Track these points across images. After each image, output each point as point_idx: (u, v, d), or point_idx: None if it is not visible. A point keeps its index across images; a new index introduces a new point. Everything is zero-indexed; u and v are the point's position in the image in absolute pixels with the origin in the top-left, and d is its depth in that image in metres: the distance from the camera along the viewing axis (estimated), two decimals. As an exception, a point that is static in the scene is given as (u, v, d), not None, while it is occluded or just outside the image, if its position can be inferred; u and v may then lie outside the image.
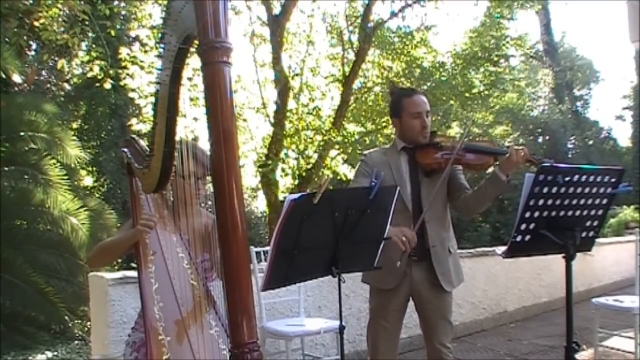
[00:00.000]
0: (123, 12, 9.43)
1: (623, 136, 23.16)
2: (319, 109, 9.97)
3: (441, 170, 2.31)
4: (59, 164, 6.15)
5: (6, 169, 6.23)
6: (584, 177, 1.75)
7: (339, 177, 10.14)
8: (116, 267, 6.19)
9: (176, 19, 1.40)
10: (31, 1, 7.14)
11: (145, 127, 8.95)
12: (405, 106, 2.40)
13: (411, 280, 2.39)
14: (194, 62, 1.49)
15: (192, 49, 1.40)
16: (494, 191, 2.28)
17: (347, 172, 10.30)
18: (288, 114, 9.20)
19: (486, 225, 14.27)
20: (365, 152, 2.60)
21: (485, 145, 2.38)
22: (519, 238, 1.77)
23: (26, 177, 6.26)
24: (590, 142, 20.75)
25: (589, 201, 1.81)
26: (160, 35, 1.49)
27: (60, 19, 6.63)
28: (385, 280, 2.39)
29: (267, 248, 1.90)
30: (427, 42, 11.92)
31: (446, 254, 2.41)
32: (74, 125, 10.64)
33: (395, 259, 2.23)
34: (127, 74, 8.69)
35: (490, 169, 2.34)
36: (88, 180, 10.16)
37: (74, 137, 6.86)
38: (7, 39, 6.72)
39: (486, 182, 2.28)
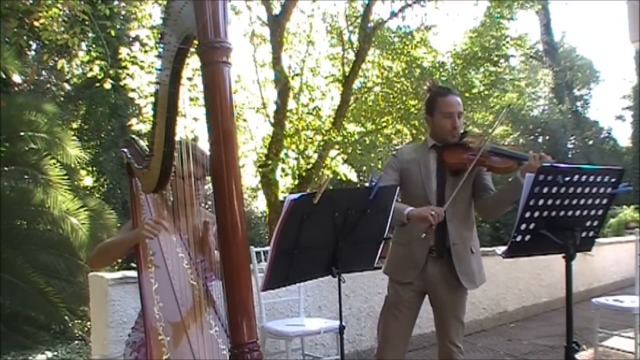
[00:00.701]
0: (123, 12, 9.42)
1: (623, 136, 23.22)
2: (319, 109, 9.96)
3: (466, 170, 2.34)
4: (59, 164, 6.15)
5: (6, 169, 6.23)
6: (584, 177, 1.75)
7: (339, 177, 10.14)
8: (116, 267, 6.18)
9: (176, 19, 1.40)
10: (31, 1, 7.13)
11: (145, 127, 8.95)
12: (439, 105, 2.45)
13: (427, 276, 2.42)
14: (194, 62, 1.49)
15: (192, 49, 1.40)
16: (514, 195, 2.29)
17: (347, 172, 10.31)
18: (288, 114, 9.20)
19: (486, 225, 14.25)
20: (398, 147, 2.64)
21: (509, 149, 2.40)
22: (519, 238, 1.77)
23: (26, 177, 6.26)
24: (590, 142, 20.77)
25: (589, 201, 1.81)
26: (160, 35, 1.49)
27: (60, 19, 6.63)
28: (404, 274, 2.44)
29: (267, 248, 1.90)
30: (427, 42, 11.92)
31: (468, 253, 2.44)
32: (74, 125, 10.64)
33: (422, 255, 2.34)
34: (127, 74, 8.69)
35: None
36: (88, 180, 10.15)
37: (74, 137, 6.85)
38: (7, 39, 6.71)
39: (507, 185, 2.33)
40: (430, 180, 2.42)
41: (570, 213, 1.79)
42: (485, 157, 2.31)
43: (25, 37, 7.36)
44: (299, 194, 1.71)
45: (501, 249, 2.06)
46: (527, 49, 17.38)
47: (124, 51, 8.78)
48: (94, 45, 9.04)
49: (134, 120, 9.98)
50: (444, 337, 2.47)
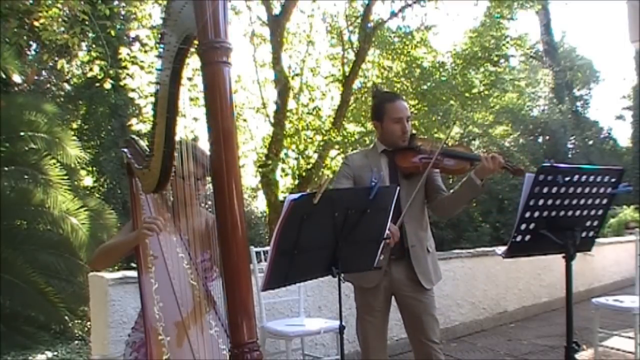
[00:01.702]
0: (123, 12, 9.42)
1: (623, 136, 23.20)
2: (319, 109, 9.97)
3: (419, 173, 2.39)
4: (59, 164, 6.15)
5: (6, 169, 6.23)
6: (584, 177, 1.75)
7: (339, 177, 10.12)
8: (116, 267, 6.19)
9: (176, 19, 1.40)
10: (31, 1, 7.13)
11: (145, 127, 8.96)
12: (388, 111, 2.48)
13: (391, 278, 2.45)
14: (194, 62, 1.49)
15: (192, 49, 1.40)
16: (469, 194, 2.38)
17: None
18: (288, 114, 9.20)
19: (486, 225, 14.26)
20: (347, 154, 2.66)
21: (461, 150, 2.46)
22: (519, 238, 1.77)
23: (26, 177, 6.26)
24: (590, 142, 20.75)
25: (589, 201, 1.81)
26: (159, 35, 1.49)
27: (60, 19, 6.63)
28: (366, 279, 2.45)
29: (267, 248, 1.90)
30: (427, 42, 11.93)
31: (425, 253, 2.48)
32: (74, 125, 10.64)
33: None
34: (127, 74, 8.70)
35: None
36: (88, 180, 10.15)
37: (74, 137, 6.85)
38: (7, 39, 6.71)
39: (462, 185, 2.36)
40: (385, 184, 2.44)
41: (570, 213, 1.79)
42: (438, 160, 2.36)
43: (25, 37, 7.36)
44: (299, 194, 1.71)
45: (501, 249, 2.06)
46: (527, 49, 17.39)
47: (124, 51, 8.79)
48: (94, 45, 9.04)
49: (134, 120, 9.99)
50: (420, 335, 2.47)
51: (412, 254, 2.43)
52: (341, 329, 2.04)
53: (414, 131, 2.54)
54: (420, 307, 2.46)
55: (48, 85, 10.85)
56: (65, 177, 6.09)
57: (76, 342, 5.69)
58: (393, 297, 2.53)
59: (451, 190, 2.49)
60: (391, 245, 2.22)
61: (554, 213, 1.76)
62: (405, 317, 2.52)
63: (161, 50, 1.48)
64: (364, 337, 2.54)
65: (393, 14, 9.99)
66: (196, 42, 1.30)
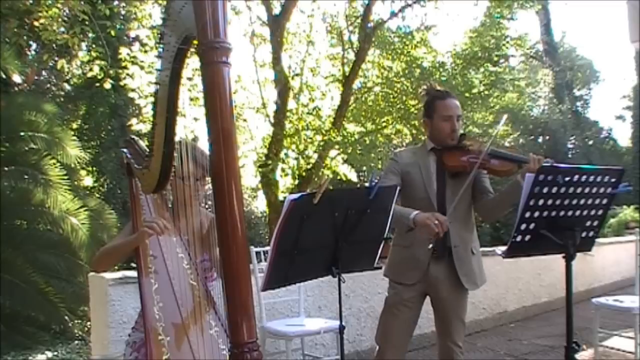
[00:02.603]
0: (123, 12, 9.43)
1: (623, 136, 23.17)
2: (319, 109, 9.96)
3: (465, 173, 2.36)
4: (59, 164, 6.15)
5: (6, 169, 6.23)
6: (584, 177, 1.75)
7: (339, 177, 10.14)
8: (116, 267, 6.18)
9: (175, 19, 1.40)
10: (31, 1, 7.13)
11: (145, 127, 8.95)
12: (438, 108, 2.45)
13: (429, 277, 2.42)
14: (193, 62, 1.49)
15: (192, 49, 1.40)
16: (514, 198, 2.30)
17: (347, 172, 10.31)
18: (288, 114, 9.20)
19: (486, 225, 14.25)
20: (396, 150, 2.66)
21: (509, 152, 2.41)
22: (519, 238, 1.77)
23: (26, 177, 6.26)
24: (590, 142, 20.76)
25: (589, 201, 1.81)
26: (159, 35, 1.49)
27: (60, 19, 6.63)
28: (407, 276, 2.44)
29: (267, 248, 1.90)
30: (427, 42, 11.92)
31: (469, 255, 2.45)
32: (74, 125, 10.64)
33: (424, 257, 2.34)
34: (127, 74, 8.70)
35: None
36: (88, 180, 10.15)
37: (74, 137, 6.85)
38: (7, 39, 6.72)
39: (508, 187, 2.34)
40: (432, 183, 2.44)
41: (570, 213, 1.79)
42: (485, 160, 2.32)
43: (25, 37, 7.37)
44: (299, 194, 1.71)
45: (501, 249, 2.06)
46: (527, 49, 17.40)
47: (124, 51, 8.79)
48: (94, 45, 9.05)
49: (134, 120, 9.98)
50: (446, 338, 2.47)
51: (454, 255, 2.39)
52: (341, 329, 2.04)
53: (462, 131, 2.50)
54: (452, 310, 2.45)
55: (48, 85, 10.86)
56: (65, 177, 6.09)
57: (76, 342, 5.69)
58: (427, 297, 2.50)
59: (497, 193, 2.46)
60: (440, 235, 2.16)
61: (554, 213, 1.76)
62: (436, 316, 2.52)
63: (161, 50, 1.47)
64: (385, 331, 2.48)
65: (393, 14, 10.00)
66: (196, 42, 1.29)
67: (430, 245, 2.23)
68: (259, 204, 14.34)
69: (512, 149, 2.47)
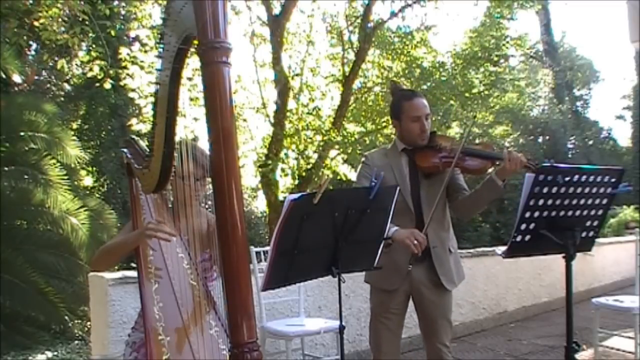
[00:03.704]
0: (123, 12, 9.43)
1: (623, 136, 23.13)
2: (319, 109, 9.97)
3: (439, 173, 2.34)
4: (59, 164, 6.15)
5: (6, 169, 6.23)
6: (584, 177, 1.75)
7: (339, 177, 10.14)
8: (116, 267, 6.18)
9: (176, 19, 1.40)
10: (31, 1, 7.13)
11: (145, 127, 8.97)
12: (405, 109, 2.40)
13: (411, 279, 2.41)
14: (194, 62, 1.49)
15: (192, 49, 1.40)
16: (490, 195, 2.31)
17: (347, 172, 10.31)
18: (288, 114, 9.20)
19: (486, 225, 14.27)
20: (367, 153, 2.60)
21: (483, 149, 2.38)
22: (519, 238, 1.77)
23: (26, 177, 6.26)
24: (590, 142, 20.74)
25: (589, 201, 1.81)
26: (159, 35, 1.49)
27: (60, 19, 6.63)
28: (388, 281, 2.42)
29: (267, 248, 1.90)
30: (427, 42, 11.92)
31: (447, 254, 2.44)
32: (74, 125, 10.64)
33: (404, 261, 2.30)
34: (127, 74, 8.71)
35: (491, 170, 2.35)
36: (88, 180, 10.14)
37: (74, 137, 6.86)
38: (7, 39, 6.71)
39: (482, 185, 2.30)
40: (406, 184, 2.40)
41: (570, 213, 1.79)
42: (459, 160, 2.29)
43: (25, 37, 7.36)
44: (299, 194, 1.71)
45: (501, 249, 2.06)
46: (527, 49, 17.40)
47: (124, 51, 8.80)
48: (94, 45, 9.04)
49: (134, 120, 10.00)
50: (434, 338, 2.45)
51: (433, 255, 2.38)
52: (341, 329, 2.04)
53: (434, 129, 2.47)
54: (437, 310, 2.43)
55: (48, 85, 10.85)
56: (65, 177, 6.09)
57: (76, 342, 5.69)
58: (410, 299, 2.49)
59: (472, 191, 2.42)
60: (418, 255, 2.17)
61: (554, 213, 1.76)
62: (421, 318, 2.50)
63: (161, 50, 1.47)
64: (377, 340, 2.49)
65: (393, 14, 10.00)
66: (196, 42, 1.29)
67: (410, 267, 2.25)
68: (259, 204, 14.36)
69: (485, 146, 2.44)
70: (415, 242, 2.13)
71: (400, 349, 2.54)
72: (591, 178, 1.77)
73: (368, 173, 2.41)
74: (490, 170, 2.31)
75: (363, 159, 2.56)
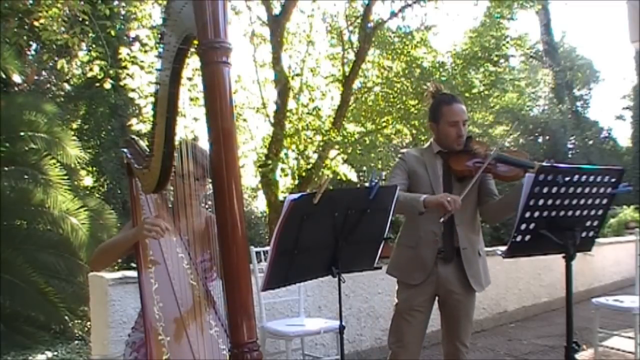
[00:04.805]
0: (123, 12, 9.42)
1: (623, 136, 23.17)
2: (319, 109, 9.95)
3: (472, 177, 2.36)
4: (59, 164, 6.15)
5: (6, 169, 6.24)
6: (584, 177, 1.75)
7: (339, 177, 10.13)
8: (116, 267, 6.19)
9: (176, 19, 1.40)
10: (31, 1, 7.14)
11: (145, 127, 8.95)
12: (444, 113, 2.45)
13: (438, 278, 2.43)
14: (194, 62, 1.49)
15: (192, 49, 1.40)
16: (518, 202, 2.31)
17: (347, 172, 10.30)
18: (288, 114, 9.19)
19: (486, 225, 14.25)
20: (404, 150, 2.67)
21: (516, 157, 2.41)
22: (519, 238, 1.77)
23: (26, 177, 6.26)
24: (590, 142, 20.76)
25: (589, 201, 1.81)
26: (159, 35, 1.49)
27: (60, 19, 6.62)
28: (413, 276, 2.44)
29: (267, 248, 1.90)
30: (427, 42, 11.90)
31: (476, 257, 2.46)
32: (74, 125, 10.63)
33: (430, 257, 2.38)
34: (127, 74, 8.69)
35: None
36: (88, 180, 10.14)
37: (74, 137, 6.86)
38: (7, 39, 6.71)
39: (512, 191, 2.33)
40: (439, 185, 2.44)
41: (570, 213, 1.79)
42: (491, 165, 2.33)
43: (25, 37, 7.36)
44: (299, 194, 1.71)
45: (501, 249, 2.07)
46: (527, 49, 17.39)
47: (124, 51, 8.78)
48: (94, 45, 9.04)
49: (134, 120, 9.98)
50: (454, 338, 2.49)
51: (463, 256, 2.41)
52: (341, 329, 2.04)
53: (469, 134, 2.51)
54: (462, 310, 2.46)
55: (48, 85, 10.85)
56: (65, 177, 6.09)
57: (76, 342, 5.69)
58: (436, 299, 2.51)
59: (501, 197, 2.47)
60: (452, 212, 2.18)
61: (554, 213, 1.76)
62: (445, 317, 2.52)
63: (161, 50, 1.47)
64: (399, 336, 2.49)
65: (393, 14, 9.98)
66: (196, 42, 1.29)
67: (442, 219, 2.22)
68: (259, 204, 14.34)
69: (519, 154, 2.46)
70: (449, 199, 2.14)
71: (421, 347, 2.54)
72: (591, 178, 1.77)
73: (404, 167, 2.49)
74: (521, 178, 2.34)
75: (400, 155, 2.62)
